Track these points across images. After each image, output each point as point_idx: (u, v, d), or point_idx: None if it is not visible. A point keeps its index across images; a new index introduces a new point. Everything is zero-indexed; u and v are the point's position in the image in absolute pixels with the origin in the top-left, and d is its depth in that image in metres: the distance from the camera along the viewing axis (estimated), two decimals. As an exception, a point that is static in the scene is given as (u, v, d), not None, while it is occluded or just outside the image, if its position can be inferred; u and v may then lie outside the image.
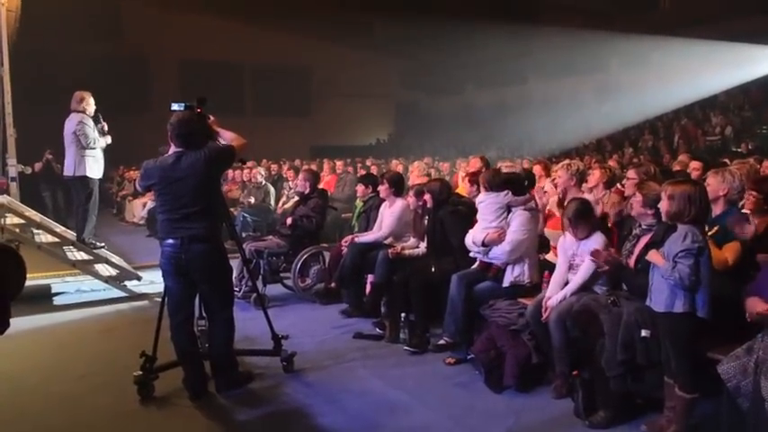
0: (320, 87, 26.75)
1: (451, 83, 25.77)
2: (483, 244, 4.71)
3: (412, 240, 5.86)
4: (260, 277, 6.30)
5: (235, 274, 5.82)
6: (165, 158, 3.98)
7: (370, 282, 5.90)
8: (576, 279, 4.05)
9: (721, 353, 3.15)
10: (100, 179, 7.11)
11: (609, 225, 4.38)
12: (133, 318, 6.17)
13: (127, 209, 14.74)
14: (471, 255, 4.90)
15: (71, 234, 7.30)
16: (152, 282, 7.03)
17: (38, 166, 12.62)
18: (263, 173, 11.17)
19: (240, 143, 4.12)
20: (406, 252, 5.68)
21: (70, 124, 6.73)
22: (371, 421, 3.78)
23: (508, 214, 4.74)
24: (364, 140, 26.10)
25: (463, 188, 6.29)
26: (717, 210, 3.74)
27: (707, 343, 3.29)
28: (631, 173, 4.89)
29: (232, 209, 9.70)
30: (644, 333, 3.40)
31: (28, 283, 2.49)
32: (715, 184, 3.77)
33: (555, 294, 4.08)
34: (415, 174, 8.02)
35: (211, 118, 4.19)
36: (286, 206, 9.96)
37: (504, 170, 5.43)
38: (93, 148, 6.76)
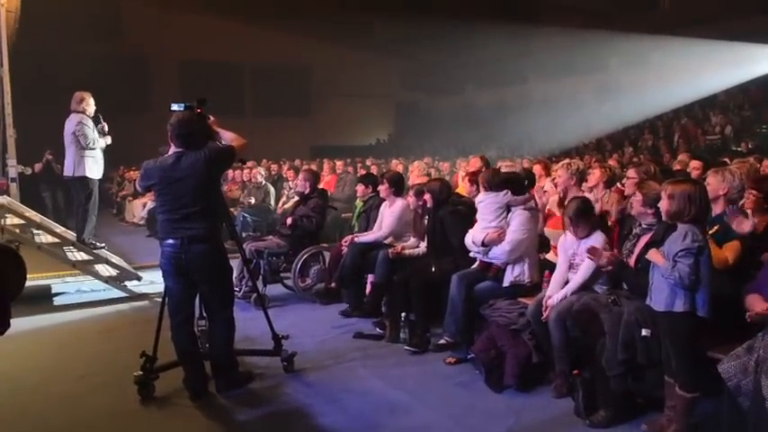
0: (320, 87, 26.76)
1: (451, 83, 25.77)
2: (483, 244, 4.71)
3: (412, 240, 5.86)
4: (260, 277, 6.30)
5: (235, 275, 5.83)
6: (165, 159, 3.98)
7: (370, 282, 5.91)
8: (577, 278, 4.06)
9: (722, 352, 3.15)
10: (100, 179, 7.12)
11: (609, 224, 4.38)
12: (133, 318, 6.17)
13: (127, 209, 14.75)
14: (471, 254, 4.90)
15: (71, 234, 7.30)
16: (152, 282, 7.04)
17: (38, 166, 12.63)
18: (263, 173, 11.18)
19: (240, 143, 4.12)
20: (407, 252, 5.68)
21: (70, 125, 6.73)
22: (372, 421, 3.77)
23: (508, 214, 4.74)
24: (364, 140, 26.11)
25: (463, 188, 6.29)
26: (717, 209, 3.74)
27: (707, 342, 3.29)
28: (631, 172, 4.89)
29: (232, 209, 9.70)
30: (644, 332, 3.40)
31: (28, 283, 2.49)
32: (715, 184, 3.76)
33: (555, 293, 4.08)
34: (415, 173, 8.02)
35: (211, 118, 4.19)
36: (286, 206, 9.97)
37: (504, 170, 5.43)
38: (93, 149, 6.76)
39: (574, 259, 4.16)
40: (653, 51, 18.33)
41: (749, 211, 3.73)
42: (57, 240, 7.16)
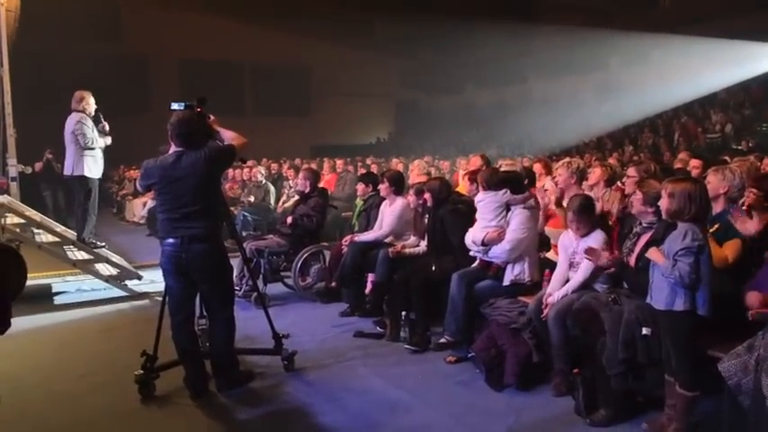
0: (320, 87, 26.77)
1: (452, 82, 25.77)
2: (482, 243, 4.71)
3: (412, 239, 5.86)
4: (260, 276, 6.30)
5: (235, 274, 5.83)
6: (165, 158, 3.98)
7: (370, 281, 5.90)
8: (577, 277, 4.06)
9: (722, 351, 3.15)
10: (100, 179, 7.12)
11: (610, 223, 4.38)
12: (134, 317, 6.17)
13: (127, 208, 14.76)
14: (471, 253, 4.90)
15: (71, 234, 7.30)
16: (152, 281, 7.04)
17: (38, 165, 12.62)
18: (263, 172, 11.18)
19: (240, 142, 4.12)
20: (407, 251, 5.68)
21: (69, 124, 6.73)
22: (372, 420, 3.77)
23: (507, 213, 4.74)
24: (364, 139, 26.11)
25: (463, 187, 6.28)
26: (717, 208, 3.73)
27: (707, 341, 3.29)
28: (632, 171, 4.89)
29: (232, 208, 9.70)
30: (645, 331, 3.40)
31: (28, 282, 2.50)
32: (715, 182, 3.76)
33: (556, 292, 4.08)
34: (416, 172, 8.01)
35: (211, 117, 4.19)
36: (286, 205, 9.97)
37: (504, 169, 5.42)
38: (92, 148, 6.76)
39: (574, 258, 4.16)
40: (653, 50, 18.32)
41: (755, 213, 3.73)
42: (57, 239, 7.16)
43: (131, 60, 22.39)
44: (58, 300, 6.93)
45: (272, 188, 10.68)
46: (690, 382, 3.19)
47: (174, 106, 4.12)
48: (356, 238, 6.14)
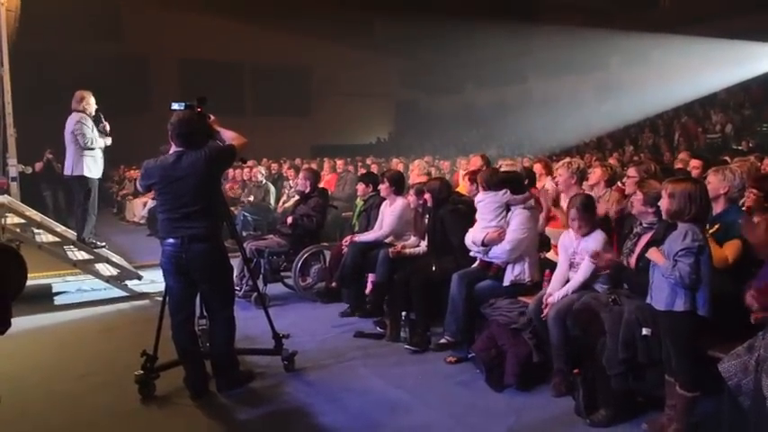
0: (320, 86, 26.77)
1: (451, 82, 25.77)
2: (483, 243, 4.71)
3: (412, 239, 5.86)
4: (261, 276, 6.30)
5: (235, 274, 5.82)
6: (165, 158, 3.99)
7: (371, 281, 5.90)
8: (577, 277, 4.06)
9: (722, 351, 3.15)
10: (100, 179, 7.12)
11: (612, 225, 4.38)
12: (134, 317, 6.17)
13: (127, 208, 14.76)
14: (472, 254, 4.90)
15: (72, 234, 7.30)
16: (153, 281, 7.04)
17: (38, 165, 12.61)
18: (263, 172, 11.19)
19: (240, 142, 4.12)
20: (407, 251, 5.68)
21: (69, 124, 6.73)
22: (372, 420, 3.77)
23: (507, 213, 4.74)
24: (365, 139, 26.11)
25: (464, 187, 6.28)
26: (717, 208, 3.73)
27: (708, 341, 3.29)
28: (632, 171, 4.89)
29: (232, 208, 9.70)
30: (645, 331, 3.40)
31: (29, 282, 2.50)
32: (716, 183, 3.76)
33: (556, 292, 4.08)
34: (416, 172, 8.01)
35: (212, 117, 4.19)
36: (286, 205, 9.97)
37: (505, 169, 5.42)
38: (92, 149, 6.76)
39: (574, 258, 4.17)
40: (653, 50, 18.32)
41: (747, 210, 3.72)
42: (57, 239, 7.16)
43: (131, 60, 22.40)
44: (58, 300, 6.93)
45: (272, 188, 10.68)
46: (690, 382, 3.19)
47: (175, 106, 4.12)
48: (356, 239, 6.13)
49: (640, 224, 3.86)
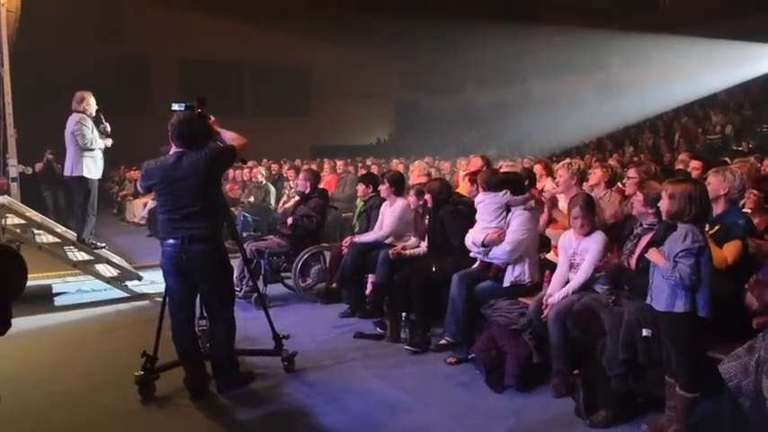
0: (320, 87, 26.75)
1: (451, 82, 25.77)
2: (483, 244, 4.71)
3: (413, 240, 5.86)
4: (261, 277, 6.30)
5: (236, 274, 5.83)
6: (165, 158, 3.99)
7: (371, 281, 5.90)
8: (577, 278, 4.06)
9: (722, 352, 3.15)
10: (100, 179, 7.12)
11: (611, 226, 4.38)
12: (134, 318, 6.17)
13: (127, 209, 14.76)
14: (472, 254, 4.90)
15: (72, 234, 7.30)
16: (153, 282, 7.04)
17: (38, 166, 12.61)
18: (263, 172, 11.19)
19: (241, 143, 4.12)
20: (407, 252, 5.68)
21: (69, 124, 6.73)
22: (372, 421, 3.78)
23: (507, 214, 4.74)
24: (365, 140, 26.09)
25: (464, 187, 6.28)
26: (718, 209, 3.73)
27: (708, 342, 3.29)
28: (632, 172, 4.90)
29: (233, 208, 9.70)
30: (645, 332, 3.40)
31: (29, 283, 2.50)
32: (716, 184, 3.75)
33: (556, 292, 4.09)
34: (416, 173, 8.01)
35: (212, 118, 4.19)
36: (287, 206, 9.98)
37: (505, 169, 5.42)
38: (91, 149, 6.76)
39: (574, 259, 4.17)
40: (653, 50, 18.31)
41: (749, 211, 3.73)
42: (57, 240, 7.16)
43: (131, 60, 22.38)
44: (58, 300, 6.93)
45: (272, 189, 10.68)
46: (690, 383, 3.19)
47: (175, 107, 4.13)
48: (356, 239, 6.13)
49: (640, 225, 3.86)
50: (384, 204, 6.21)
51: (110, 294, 6.91)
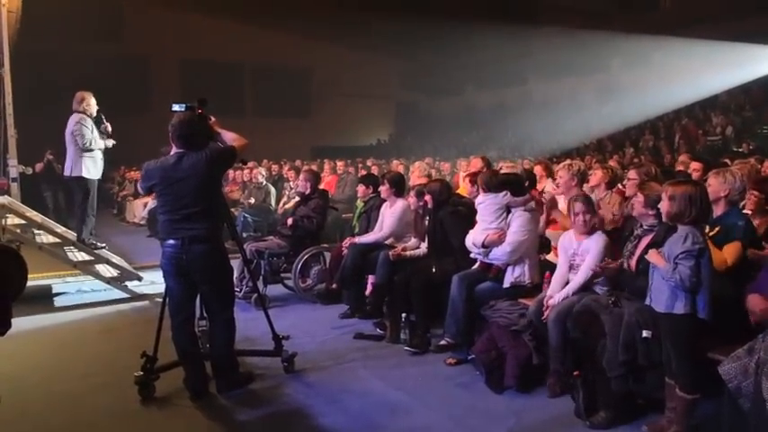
0: (320, 88, 26.76)
1: (452, 83, 25.79)
2: (483, 245, 4.71)
3: (413, 241, 5.86)
4: (261, 278, 6.30)
5: (236, 275, 5.83)
6: (166, 159, 3.99)
7: (371, 282, 5.90)
8: (577, 278, 4.06)
9: (722, 353, 3.15)
10: (100, 180, 7.11)
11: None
12: (134, 318, 6.17)
13: (128, 209, 14.76)
14: (472, 255, 4.90)
15: (72, 234, 7.30)
16: (153, 282, 7.03)
17: (39, 166, 12.61)
18: (263, 173, 11.19)
19: (241, 144, 4.13)
20: (407, 253, 5.67)
21: (69, 124, 6.73)
22: (372, 422, 3.77)
23: (508, 215, 4.74)
24: (365, 141, 26.11)
25: (464, 188, 6.28)
26: (718, 210, 3.73)
27: (708, 343, 3.29)
28: (632, 173, 4.90)
29: (233, 209, 9.70)
30: (645, 334, 3.40)
31: (29, 283, 2.50)
32: (716, 185, 3.76)
33: (556, 293, 4.09)
34: (416, 174, 8.01)
35: (212, 119, 4.19)
36: (287, 206, 9.98)
37: (505, 171, 5.42)
38: (91, 150, 6.76)
39: (574, 260, 4.17)
40: (654, 52, 18.33)
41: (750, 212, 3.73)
42: (58, 240, 7.16)
43: (132, 60, 22.39)
44: (58, 301, 6.92)
45: (272, 189, 10.68)
46: (690, 384, 3.19)
47: (175, 108, 4.13)
48: (356, 240, 6.13)
49: (641, 226, 3.86)
50: (384, 205, 6.21)
51: (110, 295, 6.91)
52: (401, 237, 6.01)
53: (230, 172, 11.93)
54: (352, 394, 4.15)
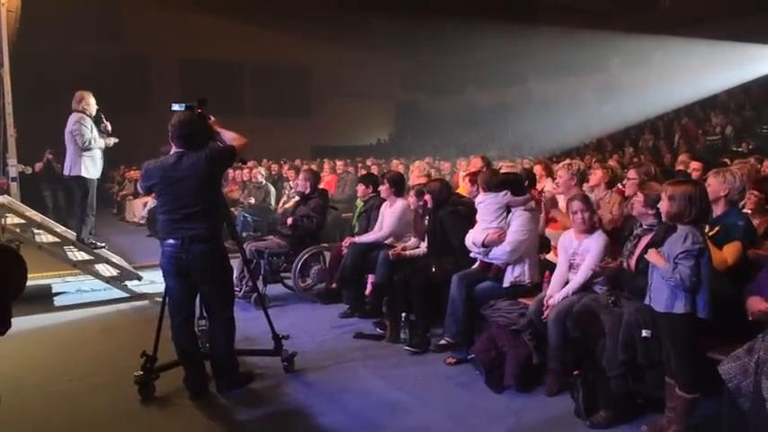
0: (320, 87, 26.75)
1: (452, 83, 25.78)
2: (483, 245, 4.71)
3: (413, 240, 5.86)
4: (260, 277, 6.30)
5: (235, 274, 5.83)
6: (166, 159, 3.99)
7: (370, 282, 5.90)
8: (577, 278, 4.06)
9: (722, 353, 3.15)
10: (100, 179, 7.11)
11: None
12: (134, 318, 6.17)
13: (127, 208, 14.76)
14: (472, 255, 4.90)
15: (71, 234, 7.30)
16: (153, 282, 7.04)
17: (38, 165, 12.61)
18: (263, 173, 11.19)
19: (241, 143, 4.13)
20: (407, 252, 5.67)
21: (69, 124, 6.73)
22: (372, 421, 3.78)
23: (508, 214, 4.74)
24: (365, 140, 26.10)
25: (464, 188, 6.28)
26: (718, 210, 3.74)
27: (707, 343, 3.29)
28: (632, 173, 4.90)
29: (233, 209, 9.70)
30: (645, 333, 3.40)
31: (29, 283, 2.49)
32: (716, 185, 3.76)
33: (556, 293, 4.09)
34: (416, 174, 8.00)
35: (212, 118, 4.19)
36: (287, 206, 9.97)
37: (505, 170, 5.42)
38: (90, 149, 6.75)
39: (574, 259, 4.17)
40: (654, 51, 18.33)
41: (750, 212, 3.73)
42: (57, 240, 7.16)
43: (132, 60, 22.37)
44: (58, 300, 6.92)
45: (272, 189, 10.68)
46: (690, 384, 3.19)
47: (175, 107, 4.13)
48: (356, 240, 6.13)
49: (640, 226, 3.86)
50: (384, 205, 6.21)
51: (109, 294, 6.91)
52: (401, 236, 6.01)
53: (230, 171, 11.93)
54: (352, 394, 4.15)
